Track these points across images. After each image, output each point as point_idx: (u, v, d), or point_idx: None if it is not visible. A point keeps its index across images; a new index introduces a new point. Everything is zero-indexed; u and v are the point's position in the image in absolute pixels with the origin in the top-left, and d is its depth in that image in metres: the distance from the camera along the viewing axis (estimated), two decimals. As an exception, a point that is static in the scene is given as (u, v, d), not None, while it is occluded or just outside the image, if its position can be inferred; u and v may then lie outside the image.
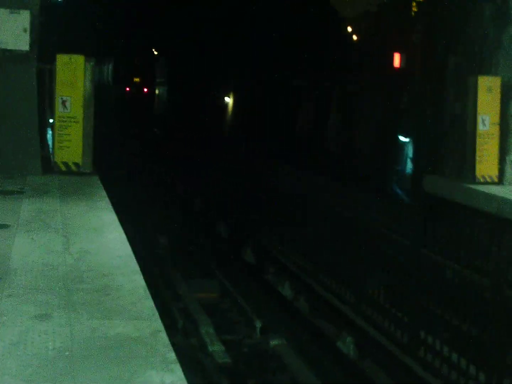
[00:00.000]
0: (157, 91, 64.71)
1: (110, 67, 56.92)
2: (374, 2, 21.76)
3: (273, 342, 13.16)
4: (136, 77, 70.82)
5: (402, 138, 20.37)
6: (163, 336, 5.56)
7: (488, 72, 15.70)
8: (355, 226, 13.74)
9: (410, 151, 19.82)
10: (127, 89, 72.70)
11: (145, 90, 69.99)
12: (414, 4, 19.75)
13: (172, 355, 5.17)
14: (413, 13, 19.90)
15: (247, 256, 17.87)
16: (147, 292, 6.68)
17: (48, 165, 13.58)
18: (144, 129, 56.05)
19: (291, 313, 14.26)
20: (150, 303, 6.39)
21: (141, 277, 7.11)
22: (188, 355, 12.36)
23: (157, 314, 6.12)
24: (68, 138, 13.42)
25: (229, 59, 34.36)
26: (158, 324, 5.88)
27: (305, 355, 12.94)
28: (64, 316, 5.89)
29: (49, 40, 15.65)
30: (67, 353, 5.12)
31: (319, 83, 25.44)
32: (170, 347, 5.31)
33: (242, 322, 13.96)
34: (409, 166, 19.74)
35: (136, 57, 63.11)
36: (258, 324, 13.41)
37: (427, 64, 18.93)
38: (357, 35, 23.55)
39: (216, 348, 12.63)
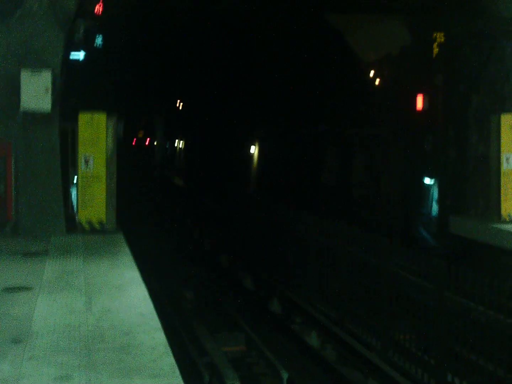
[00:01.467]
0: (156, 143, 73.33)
1: (121, 123, 59.06)
2: (395, 45, 21.83)
3: (300, 393, 13.03)
4: (140, 131, 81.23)
5: (427, 181, 20.30)
6: (182, 393, 5.57)
7: (511, 110, 15.67)
8: (380, 272, 13.66)
9: (435, 193, 19.76)
10: (134, 141, 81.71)
11: (147, 142, 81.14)
12: (435, 45, 19.78)
13: (189, 413, 5.17)
14: (434, 54, 19.93)
15: (273, 307, 17.79)
16: (168, 348, 6.69)
17: (72, 224, 13.68)
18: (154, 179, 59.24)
19: (317, 362, 14.12)
20: (170, 359, 6.40)
21: (163, 334, 7.13)
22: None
23: (177, 370, 6.13)
24: (92, 196, 13.52)
25: (253, 108, 34.59)
26: (178, 380, 5.91)
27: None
28: (84, 376, 5.93)
29: (71, 98, 15.81)
30: (84, 415, 5.14)
31: (342, 128, 25.48)
32: (188, 405, 5.31)
33: (269, 374, 13.80)
34: (435, 208, 19.65)
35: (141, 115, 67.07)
36: (285, 376, 13.24)
37: (450, 105, 18.93)
38: (379, 78, 23.60)
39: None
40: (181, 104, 54.32)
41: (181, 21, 26.62)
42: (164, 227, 33.80)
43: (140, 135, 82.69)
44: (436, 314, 11.76)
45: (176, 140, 62.32)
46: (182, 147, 59.04)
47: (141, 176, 60.66)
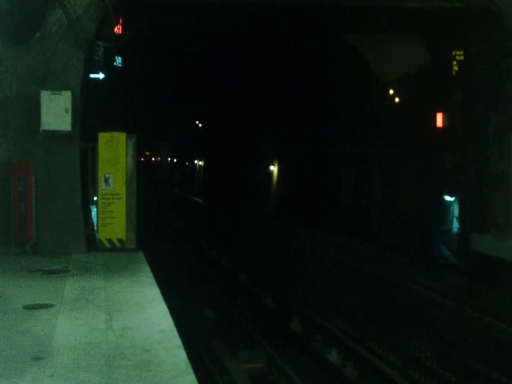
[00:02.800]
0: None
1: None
2: (414, 64, 21.81)
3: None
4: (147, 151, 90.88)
5: (447, 198, 20.22)
6: (202, 410, 5.55)
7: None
8: (399, 291, 13.63)
9: (455, 210, 19.68)
10: (142, 159, 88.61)
11: (153, 159, 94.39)
12: (454, 63, 19.74)
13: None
14: (454, 72, 19.89)
15: (293, 325, 17.73)
16: (189, 366, 6.68)
17: (92, 243, 13.72)
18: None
19: (338, 380, 14.05)
20: (191, 377, 6.39)
21: (183, 351, 7.11)
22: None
23: (198, 388, 6.12)
24: (112, 215, 13.55)
25: (272, 126, 34.64)
26: (199, 398, 5.89)
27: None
28: (105, 393, 5.92)
29: (91, 118, 15.88)
30: (106, 431, 5.13)
31: (360, 147, 25.44)
32: (209, 422, 5.30)
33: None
34: (455, 225, 19.58)
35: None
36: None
37: (469, 123, 18.87)
38: (398, 97, 23.57)
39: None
40: (200, 124, 54.53)
41: (200, 43, 26.72)
42: (183, 246, 33.84)
43: (147, 153, 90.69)
44: (457, 331, 11.69)
45: (196, 160, 62.60)
46: (202, 165, 59.23)
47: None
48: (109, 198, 13.62)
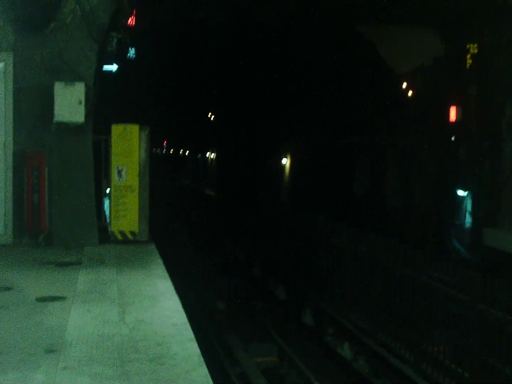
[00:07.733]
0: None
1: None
2: (428, 57, 21.73)
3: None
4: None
5: (460, 192, 20.16)
6: (215, 404, 5.53)
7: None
8: (413, 284, 13.58)
9: (468, 205, 19.62)
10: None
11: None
12: (468, 56, 19.66)
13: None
14: (468, 65, 19.81)
15: (305, 318, 17.70)
16: (202, 359, 6.66)
17: (105, 235, 13.70)
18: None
19: (350, 374, 14.02)
20: (204, 370, 6.37)
21: (196, 344, 7.10)
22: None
23: (211, 381, 6.10)
24: (124, 207, 13.53)
25: (285, 119, 34.57)
26: (211, 392, 5.88)
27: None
28: (118, 387, 5.91)
29: (104, 110, 15.86)
30: (119, 425, 5.12)
31: (374, 140, 25.37)
32: (222, 416, 5.29)
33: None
34: (468, 220, 19.53)
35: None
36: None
37: (483, 117, 18.79)
38: (411, 90, 23.48)
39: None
40: (213, 116, 54.44)
41: (213, 34, 26.69)
42: (196, 238, 33.83)
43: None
44: (471, 326, 11.65)
45: (209, 152, 62.66)
46: (214, 158, 59.27)
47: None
48: (122, 190, 13.60)
